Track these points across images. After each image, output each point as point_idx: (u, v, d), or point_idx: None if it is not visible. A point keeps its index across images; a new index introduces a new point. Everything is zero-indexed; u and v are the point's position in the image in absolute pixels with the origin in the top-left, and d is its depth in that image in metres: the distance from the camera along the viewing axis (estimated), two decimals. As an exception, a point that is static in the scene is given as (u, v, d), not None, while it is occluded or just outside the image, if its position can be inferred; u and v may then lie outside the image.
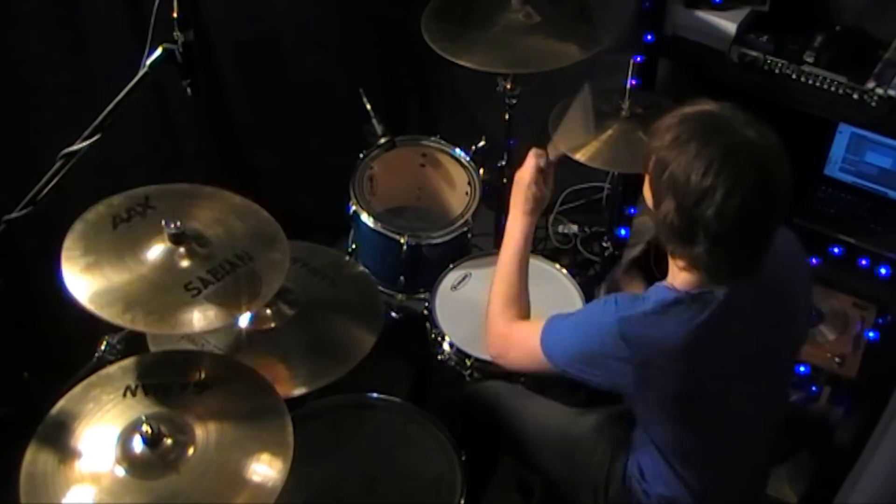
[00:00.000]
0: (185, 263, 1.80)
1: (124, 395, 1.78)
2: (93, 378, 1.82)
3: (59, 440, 1.70)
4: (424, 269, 2.53)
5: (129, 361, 1.85)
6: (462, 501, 2.01)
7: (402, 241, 2.50)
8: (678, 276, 1.70)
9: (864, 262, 2.71)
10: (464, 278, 2.48)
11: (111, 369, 1.84)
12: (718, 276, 1.65)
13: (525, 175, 2.05)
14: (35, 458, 1.67)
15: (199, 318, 1.73)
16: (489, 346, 2.02)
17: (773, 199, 1.58)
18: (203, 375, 1.82)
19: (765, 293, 1.71)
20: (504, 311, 1.99)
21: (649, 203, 1.70)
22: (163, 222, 1.79)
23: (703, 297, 1.65)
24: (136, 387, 1.79)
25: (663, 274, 1.76)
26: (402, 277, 2.58)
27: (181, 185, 1.94)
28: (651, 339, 1.66)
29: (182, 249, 1.80)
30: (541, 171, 2.05)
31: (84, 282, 1.72)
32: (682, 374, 1.67)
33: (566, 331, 1.81)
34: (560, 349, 1.80)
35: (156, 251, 1.80)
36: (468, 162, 2.71)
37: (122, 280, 1.74)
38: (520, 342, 1.93)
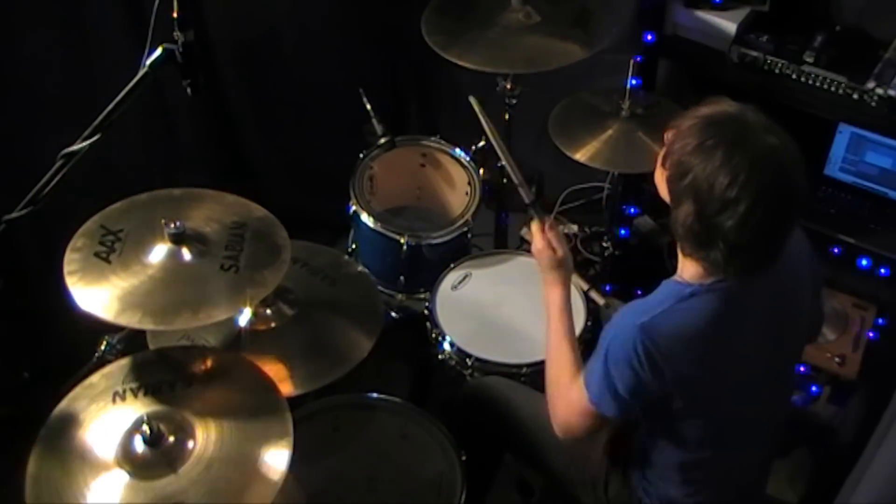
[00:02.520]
0: (202, 253, 1.85)
1: (124, 396, 1.78)
2: (93, 378, 1.82)
3: (61, 442, 1.70)
4: (424, 269, 2.53)
5: (128, 361, 1.85)
6: (462, 501, 2.01)
7: (402, 241, 2.50)
8: (689, 270, 1.71)
9: (864, 262, 2.71)
10: (464, 278, 2.48)
11: (110, 369, 1.84)
12: (729, 274, 1.65)
13: (542, 249, 2.01)
14: (38, 460, 1.67)
15: (262, 282, 1.82)
16: (561, 431, 1.86)
17: (791, 207, 1.59)
18: (203, 373, 1.83)
19: (775, 287, 1.73)
20: (559, 386, 1.88)
21: (664, 196, 1.70)
22: (163, 222, 1.82)
23: (716, 287, 1.67)
24: (136, 387, 1.79)
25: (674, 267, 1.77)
26: (402, 277, 2.57)
27: (119, 203, 1.95)
28: (675, 334, 1.66)
29: (188, 246, 1.84)
30: (545, 237, 2.01)
31: (137, 313, 1.75)
32: (703, 365, 1.68)
33: (599, 368, 1.73)
34: (600, 389, 1.73)
35: (171, 258, 1.83)
36: (468, 162, 2.71)
37: (169, 294, 1.78)
38: (573, 404, 1.81)
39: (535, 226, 2.04)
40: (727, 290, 1.66)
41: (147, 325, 1.76)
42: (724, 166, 1.54)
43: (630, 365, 1.67)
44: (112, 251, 1.83)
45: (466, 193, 2.67)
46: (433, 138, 2.77)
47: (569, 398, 1.82)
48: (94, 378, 1.83)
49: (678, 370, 1.67)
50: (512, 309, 2.41)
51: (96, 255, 1.82)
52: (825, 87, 2.60)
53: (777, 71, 2.66)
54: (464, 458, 2.07)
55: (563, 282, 1.99)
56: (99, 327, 1.87)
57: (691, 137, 1.59)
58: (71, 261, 1.81)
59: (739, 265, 1.62)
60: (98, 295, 1.76)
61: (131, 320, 1.74)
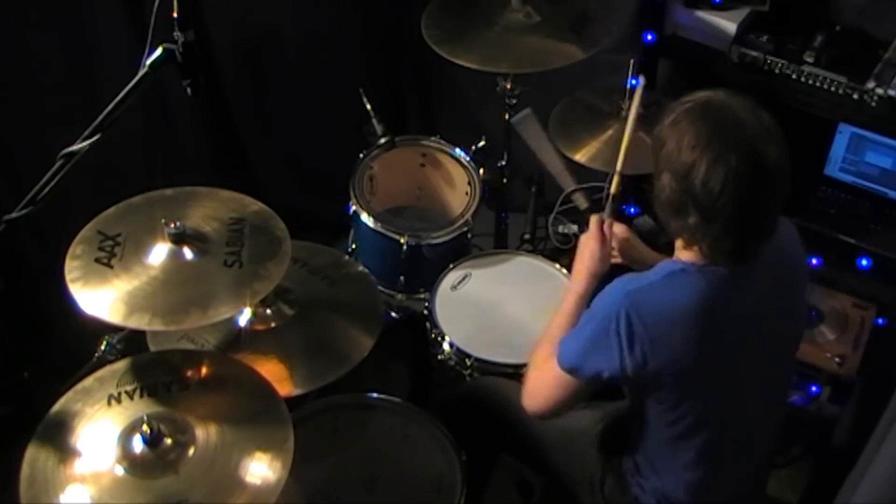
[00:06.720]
0: (203, 252, 1.86)
1: (121, 396, 1.78)
2: (93, 377, 1.82)
3: (59, 440, 1.70)
4: (424, 269, 2.53)
5: (129, 361, 1.85)
6: (462, 501, 2.01)
7: (402, 241, 2.50)
8: (682, 253, 1.75)
9: (864, 262, 2.71)
10: (464, 278, 2.48)
11: (111, 369, 1.84)
12: (716, 256, 1.68)
13: (590, 238, 2.03)
14: (35, 458, 1.67)
15: (266, 276, 1.84)
16: (526, 402, 1.90)
17: (762, 179, 1.60)
18: (203, 375, 1.83)
19: (770, 282, 1.74)
20: (539, 355, 1.91)
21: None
22: (163, 221, 1.83)
23: (707, 269, 1.70)
24: (136, 387, 1.79)
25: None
26: (402, 277, 2.57)
27: (113, 207, 1.96)
28: (659, 308, 1.68)
29: (189, 245, 1.86)
30: (603, 232, 2.03)
31: (146, 316, 1.76)
32: (689, 345, 1.68)
33: (578, 331, 1.80)
34: (572, 349, 1.77)
35: (173, 258, 1.84)
36: (468, 162, 2.71)
37: (176, 294, 1.79)
38: (544, 373, 1.85)
39: (595, 217, 2.05)
40: (717, 274, 1.69)
41: (157, 326, 1.77)
42: (688, 132, 1.63)
43: (609, 331, 1.68)
44: (113, 255, 1.84)
45: (466, 193, 2.67)
46: (433, 138, 2.77)
47: (543, 367, 1.85)
48: (111, 369, 1.84)
49: (661, 349, 1.68)
50: (511, 309, 2.41)
51: (97, 260, 1.83)
52: (825, 87, 2.61)
53: (777, 71, 2.66)
54: (464, 457, 2.07)
55: (592, 275, 1.99)
56: (99, 327, 1.87)
57: (669, 113, 1.69)
58: (72, 268, 1.82)
59: (716, 239, 1.64)
60: (104, 299, 1.77)
61: (140, 323, 1.75)
